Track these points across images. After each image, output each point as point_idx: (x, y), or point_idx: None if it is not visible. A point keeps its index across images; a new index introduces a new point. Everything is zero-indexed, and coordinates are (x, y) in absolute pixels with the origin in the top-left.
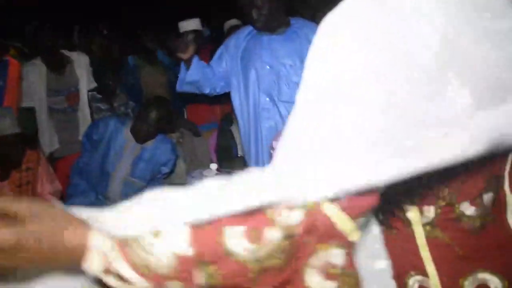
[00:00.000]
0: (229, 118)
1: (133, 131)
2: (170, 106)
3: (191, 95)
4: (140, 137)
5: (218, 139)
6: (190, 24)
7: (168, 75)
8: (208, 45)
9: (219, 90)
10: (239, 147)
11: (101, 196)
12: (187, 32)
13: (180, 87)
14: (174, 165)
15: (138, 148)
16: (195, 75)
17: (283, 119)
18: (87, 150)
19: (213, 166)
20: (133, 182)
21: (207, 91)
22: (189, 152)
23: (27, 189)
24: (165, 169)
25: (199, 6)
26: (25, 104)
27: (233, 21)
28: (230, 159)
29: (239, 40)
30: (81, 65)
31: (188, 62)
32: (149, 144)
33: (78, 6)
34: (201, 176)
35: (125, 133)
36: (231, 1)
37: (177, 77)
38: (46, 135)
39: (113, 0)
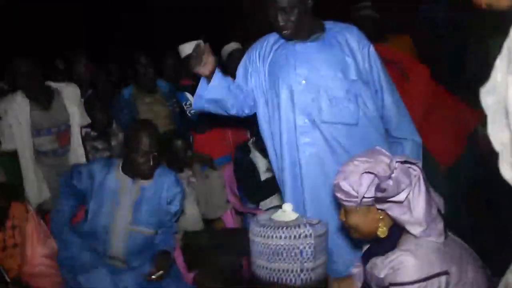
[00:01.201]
0: (245, 148)
1: (125, 168)
2: (159, 130)
3: (197, 126)
4: (135, 172)
5: (237, 173)
6: (192, 47)
7: (170, 104)
8: None
9: (247, 111)
10: (261, 174)
11: (102, 254)
12: (189, 56)
13: (198, 105)
14: (183, 202)
15: (136, 189)
16: (218, 93)
17: (328, 144)
18: (69, 202)
19: (287, 206)
20: (138, 231)
21: (233, 111)
22: (203, 192)
23: (13, 253)
24: (173, 208)
25: (195, 29)
26: (6, 147)
27: (233, 45)
28: (259, 192)
29: (264, 50)
30: (71, 97)
31: (209, 77)
32: (148, 181)
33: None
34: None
35: (116, 174)
36: (228, 23)
37: (180, 106)
38: (33, 183)
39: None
